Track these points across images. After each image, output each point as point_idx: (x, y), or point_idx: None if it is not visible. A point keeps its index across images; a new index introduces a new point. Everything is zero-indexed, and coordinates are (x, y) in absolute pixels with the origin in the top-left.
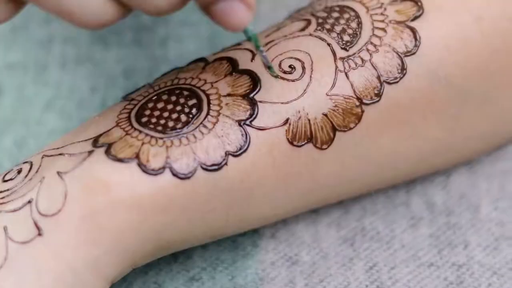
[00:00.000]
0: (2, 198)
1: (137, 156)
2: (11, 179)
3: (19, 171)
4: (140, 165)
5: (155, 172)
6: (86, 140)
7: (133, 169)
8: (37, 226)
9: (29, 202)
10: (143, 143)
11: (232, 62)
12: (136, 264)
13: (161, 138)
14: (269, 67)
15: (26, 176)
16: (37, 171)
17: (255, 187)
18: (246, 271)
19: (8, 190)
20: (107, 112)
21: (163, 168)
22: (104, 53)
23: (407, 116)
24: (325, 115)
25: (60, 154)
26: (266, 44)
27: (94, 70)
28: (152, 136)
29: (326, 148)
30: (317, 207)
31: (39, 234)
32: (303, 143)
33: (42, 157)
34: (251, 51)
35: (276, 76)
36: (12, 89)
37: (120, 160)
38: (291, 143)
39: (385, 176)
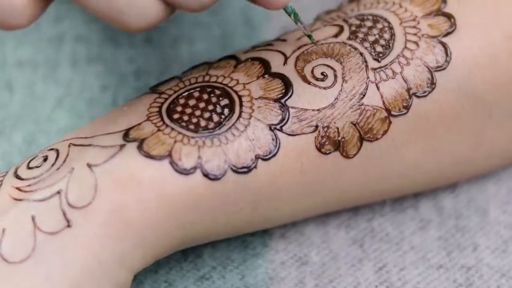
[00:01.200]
0: (29, 186)
1: (169, 154)
2: (37, 167)
3: (45, 159)
4: (172, 163)
5: (186, 172)
6: (116, 132)
7: (164, 167)
8: (66, 217)
9: (58, 192)
10: (175, 141)
11: (265, 64)
12: (159, 257)
13: (193, 138)
14: (309, 36)
15: (53, 164)
16: (64, 161)
17: (282, 191)
18: (256, 271)
19: (34, 178)
20: (136, 103)
21: (195, 168)
22: (115, 52)
23: (433, 130)
24: (354, 124)
25: (89, 145)
26: (299, 48)
27: (105, 69)
28: (184, 135)
29: (352, 157)
30: (334, 210)
31: (68, 226)
32: (330, 150)
33: (69, 146)
34: (283, 53)
35: (316, 43)
36: (23, 86)
37: (153, 157)
38: (319, 150)
39: (404, 186)
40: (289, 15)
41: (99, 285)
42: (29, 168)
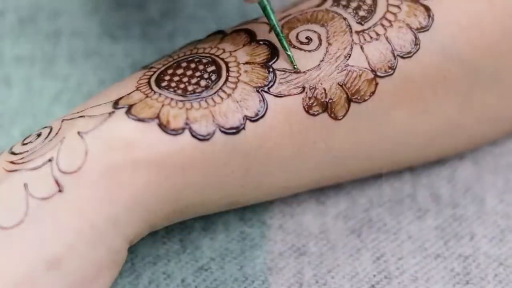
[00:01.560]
0: (22, 158)
1: (157, 116)
2: (30, 142)
3: (39, 135)
4: (160, 125)
5: (175, 132)
6: (106, 103)
7: (153, 129)
8: (58, 182)
9: (50, 160)
10: (163, 105)
11: (250, 34)
12: (154, 226)
13: (181, 101)
14: (280, 40)
15: (46, 138)
16: (57, 133)
17: (272, 154)
18: (255, 261)
19: (27, 151)
20: (127, 79)
21: (183, 129)
22: (112, 47)
23: (419, 91)
24: (341, 85)
25: (80, 117)
26: (284, 17)
27: (102, 64)
28: (172, 99)
29: (341, 119)
30: (329, 183)
31: (60, 191)
32: (318, 112)
33: (62, 121)
34: (268, 23)
35: (286, 48)
36: (20, 82)
37: (141, 120)
38: (307, 111)
39: (397, 153)
40: (263, 10)
41: (94, 249)
42: (23, 144)
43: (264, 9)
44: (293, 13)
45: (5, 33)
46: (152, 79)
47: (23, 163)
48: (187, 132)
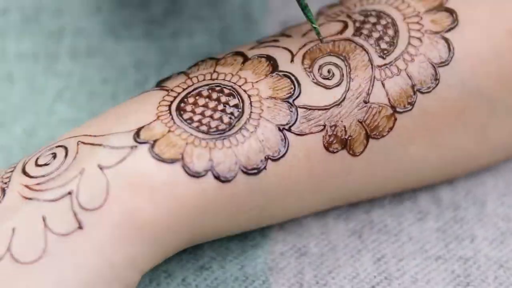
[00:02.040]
0: (38, 184)
1: (181, 157)
2: (45, 164)
3: (54, 156)
4: (184, 166)
5: (198, 175)
6: (126, 132)
7: (177, 171)
8: (78, 219)
9: (69, 193)
10: (187, 143)
11: (272, 62)
12: (168, 256)
13: (205, 139)
14: (315, 29)
15: (62, 163)
16: (74, 158)
17: (290, 191)
18: (256, 261)
19: (43, 176)
20: (145, 99)
21: (206, 170)
22: (115, 45)
23: (437, 125)
24: (360, 122)
25: (99, 145)
26: (305, 45)
27: (105, 62)
28: (195, 136)
29: (359, 155)
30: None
31: (80, 228)
32: (338, 149)
33: (78, 144)
34: (289, 50)
35: (322, 39)
36: (23, 78)
37: (165, 161)
38: (327, 149)
39: (408, 182)
40: (301, 7)
41: (109, 287)
42: (37, 165)
43: (304, 7)
44: (315, 39)
45: (8, 31)
46: (173, 108)
47: (40, 190)
48: (210, 173)
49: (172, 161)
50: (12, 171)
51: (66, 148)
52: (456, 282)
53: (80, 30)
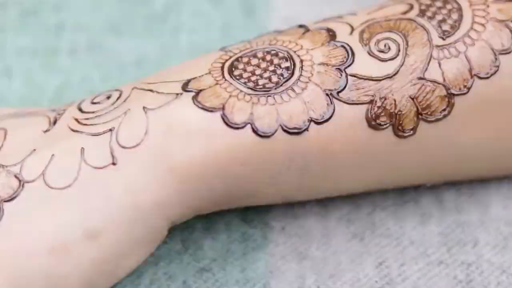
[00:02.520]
0: (86, 119)
1: (222, 107)
2: (98, 103)
3: (108, 97)
4: (223, 116)
5: (236, 126)
6: (177, 81)
7: (215, 119)
8: (113, 155)
9: (110, 130)
10: (230, 96)
11: (331, 33)
12: (200, 211)
13: (249, 94)
14: None
15: (114, 103)
16: (124, 101)
17: (332, 159)
18: (257, 264)
19: (93, 112)
20: (202, 57)
21: (245, 123)
22: (115, 41)
23: (494, 113)
24: (412, 98)
25: (149, 90)
26: (367, 21)
27: (105, 58)
28: (240, 90)
29: (408, 133)
30: (381, 190)
31: (113, 163)
32: (385, 123)
33: (133, 89)
34: (350, 25)
35: None
36: (22, 73)
37: (206, 109)
38: (374, 120)
39: (459, 170)
40: None
41: (134, 227)
42: (92, 103)
43: None
44: (378, 17)
45: (7, 26)
46: (226, 65)
47: (86, 124)
48: (248, 127)
49: (212, 109)
50: (70, 105)
51: (121, 92)
52: (458, 287)
53: (79, 27)
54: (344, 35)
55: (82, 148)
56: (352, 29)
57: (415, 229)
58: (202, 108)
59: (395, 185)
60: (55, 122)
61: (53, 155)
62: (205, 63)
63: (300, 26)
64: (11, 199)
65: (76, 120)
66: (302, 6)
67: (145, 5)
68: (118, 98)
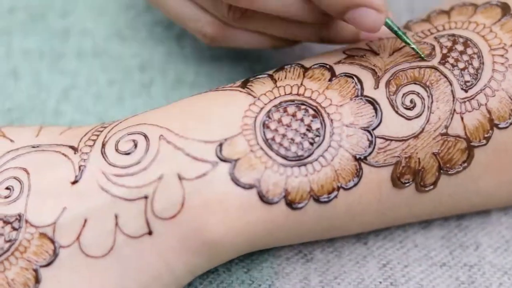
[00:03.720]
0: (116, 176)
1: (258, 183)
2: (126, 153)
3: (135, 144)
4: (259, 193)
5: (271, 201)
6: (209, 142)
7: (252, 197)
8: (149, 225)
9: (145, 197)
10: (265, 168)
11: (358, 84)
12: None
13: (283, 165)
14: (416, 51)
15: (143, 157)
16: (154, 157)
17: (356, 218)
18: (262, 265)
19: (122, 167)
20: (230, 103)
21: (279, 198)
22: (120, 47)
23: (509, 160)
24: (435, 154)
25: (181, 149)
26: (391, 68)
27: (110, 63)
28: (274, 161)
29: (429, 189)
30: None
31: (149, 233)
32: (409, 180)
33: (160, 139)
34: (375, 72)
35: (424, 57)
36: (28, 75)
37: (242, 186)
38: (399, 179)
39: (471, 209)
40: (392, 31)
41: None
42: (117, 151)
43: (395, 32)
44: (401, 62)
45: (15, 28)
46: (258, 124)
47: (116, 184)
48: (282, 201)
49: (249, 186)
50: (91, 146)
51: (147, 139)
52: None
53: (85, 32)
54: (370, 88)
55: (116, 214)
56: (378, 78)
57: (418, 233)
58: (239, 185)
59: (403, 223)
60: (80, 169)
61: (86, 219)
62: (236, 117)
63: (324, 66)
64: (47, 264)
65: (104, 174)
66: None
67: (150, 11)
68: (146, 150)
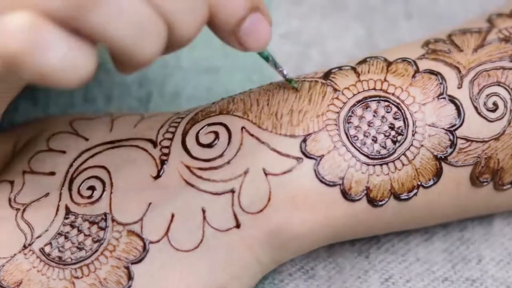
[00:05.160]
0: (200, 170)
1: (342, 182)
2: (208, 146)
3: (216, 135)
4: (342, 191)
5: (353, 199)
6: (293, 136)
7: (335, 194)
8: (237, 219)
9: (232, 191)
10: (349, 166)
11: (441, 82)
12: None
13: (366, 164)
14: (289, 81)
15: (225, 150)
16: (238, 150)
17: (433, 214)
18: (263, 282)
19: (206, 161)
20: (313, 97)
21: (361, 195)
22: None
23: None
24: None
25: (264, 144)
26: (475, 66)
27: (107, 79)
28: (357, 160)
29: (507, 188)
30: None
31: (237, 227)
32: (487, 179)
33: (242, 131)
34: (459, 70)
35: (298, 89)
36: (24, 96)
37: (326, 183)
38: (478, 179)
39: None
40: (266, 60)
41: (254, 279)
42: (199, 143)
43: (266, 58)
44: (484, 59)
45: None
46: (341, 119)
47: (201, 178)
48: (364, 198)
49: (333, 184)
50: (171, 139)
51: (228, 131)
52: None
53: None
54: (453, 87)
55: (203, 208)
56: (461, 76)
57: (420, 246)
58: (323, 182)
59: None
60: (161, 163)
61: (173, 214)
62: (319, 111)
63: (407, 60)
64: (138, 261)
65: (188, 168)
66: (301, 22)
67: None
68: (229, 142)
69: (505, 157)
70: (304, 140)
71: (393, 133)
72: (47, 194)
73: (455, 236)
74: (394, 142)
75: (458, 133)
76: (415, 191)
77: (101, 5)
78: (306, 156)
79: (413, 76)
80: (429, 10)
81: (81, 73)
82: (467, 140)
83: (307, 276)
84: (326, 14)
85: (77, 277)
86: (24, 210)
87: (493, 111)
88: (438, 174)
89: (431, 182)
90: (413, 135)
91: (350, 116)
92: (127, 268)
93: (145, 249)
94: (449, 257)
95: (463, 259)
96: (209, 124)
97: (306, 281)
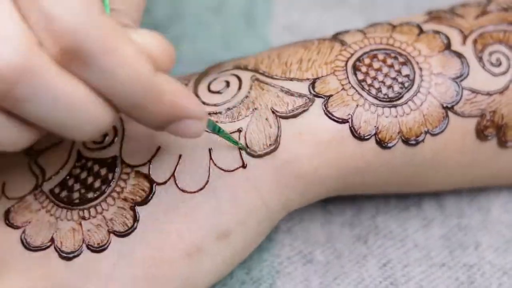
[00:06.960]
0: (209, 114)
1: (351, 118)
2: (218, 92)
3: (227, 84)
4: (351, 128)
5: (362, 137)
6: (302, 80)
7: (344, 131)
8: (242, 158)
9: (239, 131)
10: (357, 105)
11: (447, 40)
12: (312, 202)
13: (374, 105)
14: (240, 148)
15: (235, 95)
16: (247, 95)
17: (440, 166)
18: (262, 264)
19: (215, 105)
20: (321, 50)
21: (370, 135)
22: None
23: None
24: None
25: (273, 86)
26: (477, 29)
27: None
28: (366, 100)
29: (510, 146)
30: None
31: (243, 167)
32: (491, 133)
33: (253, 79)
34: (461, 31)
35: (246, 149)
36: None
37: (335, 120)
38: (482, 132)
39: None
40: (215, 131)
41: (261, 224)
42: (210, 90)
43: (218, 130)
44: (485, 23)
45: None
46: (349, 65)
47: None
48: (373, 138)
49: (342, 121)
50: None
51: (240, 80)
52: None
53: None
54: (457, 44)
55: (210, 149)
56: (464, 36)
57: (418, 232)
58: (332, 119)
59: (484, 185)
60: None
61: (180, 155)
62: (327, 57)
63: (412, 23)
64: (144, 202)
65: None
66: (302, 15)
67: (148, 14)
68: (239, 88)
69: (509, 113)
70: (313, 83)
71: (400, 79)
72: (61, 141)
73: (453, 222)
74: (402, 88)
75: (464, 83)
76: (422, 136)
77: (30, 100)
78: (315, 96)
79: (418, 35)
80: (430, 3)
81: (17, 147)
82: (472, 91)
83: (306, 260)
84: (327, 7)
85: (83, 218)
86: (38, 155)
87: (497, 66)
88: (445, 122)
89: (438, 130)
90: (420, 82)
91: (358, 63)
92: (133, 210)
93: (151, 191)
94: (447, 243)
95: (461, 246)
96: (221, 74)
97: (304, 265)
